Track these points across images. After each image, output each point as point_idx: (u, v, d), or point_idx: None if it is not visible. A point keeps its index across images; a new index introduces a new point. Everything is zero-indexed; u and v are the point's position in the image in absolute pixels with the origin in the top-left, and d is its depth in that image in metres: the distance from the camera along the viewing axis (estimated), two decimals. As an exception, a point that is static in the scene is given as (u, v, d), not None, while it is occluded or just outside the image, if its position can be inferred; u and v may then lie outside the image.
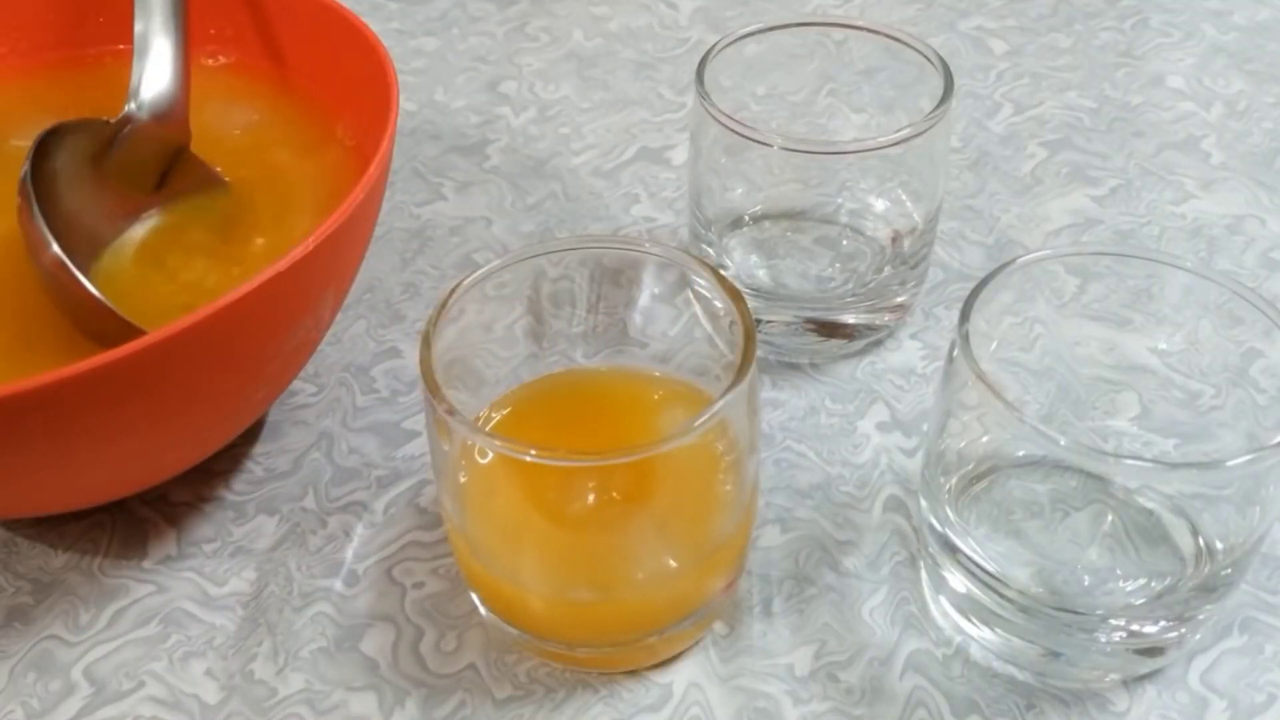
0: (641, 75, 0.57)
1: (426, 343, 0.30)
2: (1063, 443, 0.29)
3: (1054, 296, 0.35)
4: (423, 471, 0.39)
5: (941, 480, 0.34)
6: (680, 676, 0.34)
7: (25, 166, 0.34)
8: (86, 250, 0.36)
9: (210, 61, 0.43)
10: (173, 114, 0.38)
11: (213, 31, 0.43)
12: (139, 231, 0.38)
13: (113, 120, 0.37)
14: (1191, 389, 0.35)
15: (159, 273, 0.37)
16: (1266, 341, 0.32)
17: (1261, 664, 0.34)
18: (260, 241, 0.38)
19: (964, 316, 0.31)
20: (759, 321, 0.42)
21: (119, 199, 0.38)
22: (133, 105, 0.37)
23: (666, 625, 0.33)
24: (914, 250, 0.42)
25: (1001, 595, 0.32)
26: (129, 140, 0.37)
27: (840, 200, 0.44)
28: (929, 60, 0.40)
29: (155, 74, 0.38)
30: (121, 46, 0.43)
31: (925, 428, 0.40)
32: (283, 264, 0.30)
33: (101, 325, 0.34)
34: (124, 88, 0.38)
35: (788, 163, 0.42)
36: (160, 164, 0.38)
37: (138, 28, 0.38)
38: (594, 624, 0.33)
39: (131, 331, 0.33)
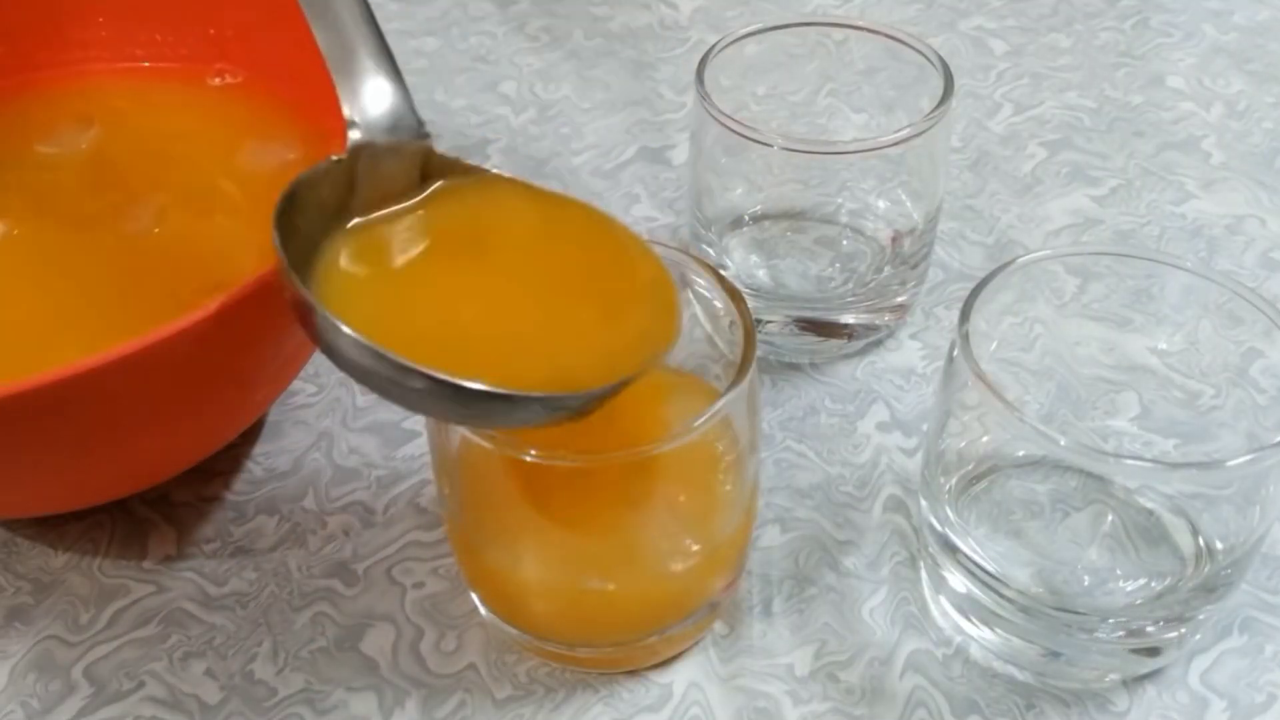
0: (641, 75, 0.57)
1: (426, 343, 0.30)
2: (1063, 443, 0.29)
3: (1054, 296, 0.35)
4: (423, 471, 0.39)
5: (941, 480, 0.34)
6: (680, 676, 0.34)
7: (280, 257, 0.28)
8: None
9: (216, 80, 0.43)
10: (404, 122, 0.33)
11: (212, 32, 0.43)
12: None
13: (343, 157, 0.31)
14: (1191, 389, 0.35)
15: None
16: (1266, 341, 0.32)
17: (1261, 664, 0.34)
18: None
19: (964, 316, 0.31)
20: (759, 321, 0.42)
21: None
22: (357, 134, 0.32)
23: (666, 625, 0.33)
24: (914, 250, 0.42)
25: (1001, 595, 0.32)
26: (370, 168, 0.32)
27: (840, 200, 0.44)
28: (929, 60, 0.40)
29: (374, 94, 0.32)
30: (148, 64, 0.43)
31: (925, 428, 0.40)
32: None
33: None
34: (148, 98, 0.36)
35: (788, 163, 0.42)
36: (410, 177, 0.33)
37: (324, 43, 0.32)
38: (594, 624, 0.33)
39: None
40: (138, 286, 0.37)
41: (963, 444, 0.33)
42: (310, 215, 0.30)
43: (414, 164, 0.32)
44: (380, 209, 0.32)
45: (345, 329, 0.26)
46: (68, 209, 0.39)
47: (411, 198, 0.33)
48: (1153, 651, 0.33)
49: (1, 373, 0.32)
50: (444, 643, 0.35)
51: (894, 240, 0.43)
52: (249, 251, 0.38)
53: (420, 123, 0.33)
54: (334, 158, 0.31)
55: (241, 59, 0.43)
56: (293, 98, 0.42)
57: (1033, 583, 0.33)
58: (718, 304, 0.32)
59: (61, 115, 0.42)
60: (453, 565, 0.36)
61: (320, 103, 0.41)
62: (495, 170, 0.34)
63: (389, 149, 0.32)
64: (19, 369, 0.28)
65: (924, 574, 0.36)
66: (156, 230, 0.38)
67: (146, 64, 0.44)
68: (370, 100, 0.32)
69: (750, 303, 0.32)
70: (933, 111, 0.38)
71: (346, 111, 0.32)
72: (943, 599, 0.35)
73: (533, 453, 0.28)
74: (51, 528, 0.38)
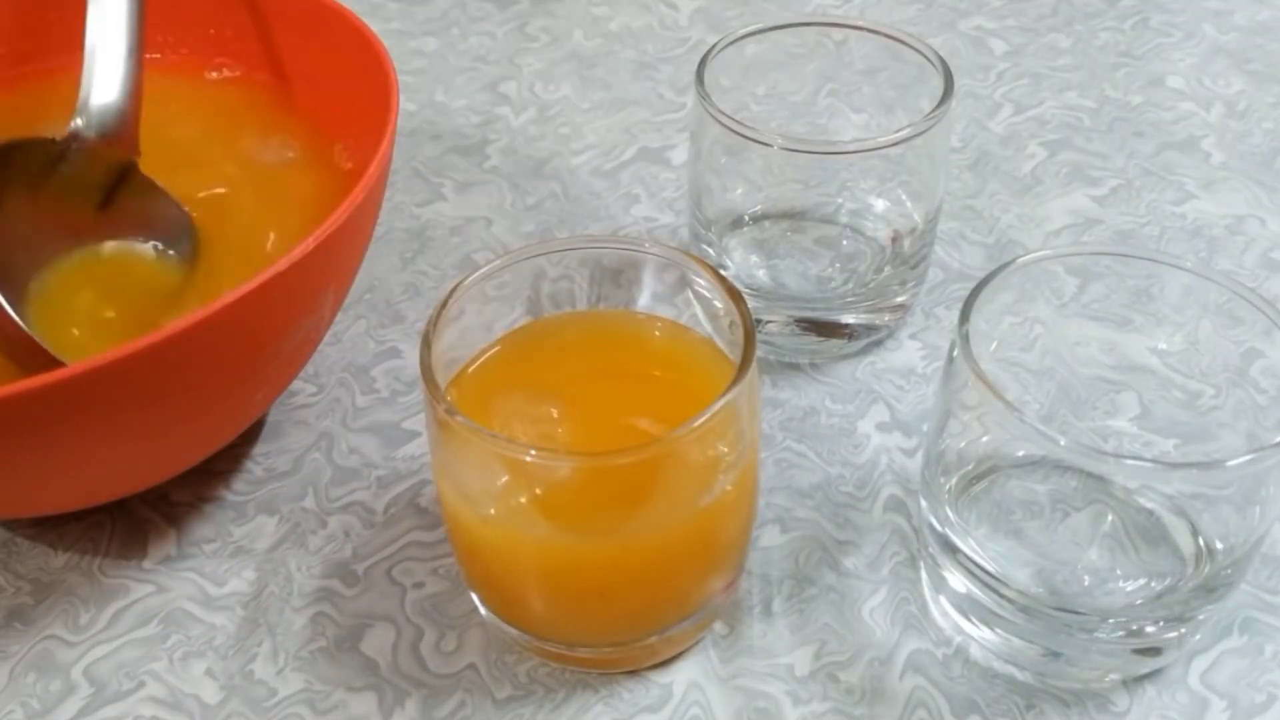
0: (641, 75, 0.57)
1: (426, 343, 0.30)
2: (1063, 443, 0.29)
3: (1054, 296, 0.35)
4: (423, 471, 0.39)
5: (941, 480, 0.34)
6: (680, 676, 0.34)
7: None
8: (22, 269, 0.35)
9: (214, 75, 0.43)
10: (121, 129, 0.36)
11: (212, 33, 0.43)
12: (84, 254, 0.37)
13: (59, 138, 0.36)
14: (1191, 389, 0.35)
15: (98, 298, 0.36)
16: (1266, 341, 0.32)
17: (1261, 664, 0.34)
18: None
19: (964, 316, 0.31)
20: (759, 321, 0.42)
21: (61, 218, 0.36)
22: (79, 121, 0.36)
23: (666, 625, 0.33)
24: (914, 250, 0.42)
25: (1001, 595, 0.32)
26: (75, 158, 0.36)
27: (840, 200, 0.44)
28: (929, 60, 0.40)
29: (103, 86, 0.36)
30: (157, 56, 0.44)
31: (925, 428, 0.40)
32: (283, 264, 0.30)
33: (22, 353, 0.33)
34: (149, 90, 0.37)
35: (788, 163, 0.42)
36: (106, 181, 0.36)
37: (89, 37, 0.36)
38: (594, 624, 0.33)
39: (50, 363, 0.32)
40: (142, 283, 0.37)
41: (963, 444, 0.33)
42: (6, 175, 0.34)
43: (110, 173, 0.36)
44: (63, 197, 0.36)
45: None
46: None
47: (96, 195, 0.36)
48: (1153, 651, 0.33)
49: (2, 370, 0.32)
50: (444, 643, 0.35)
51: (894, 240, 0.43)
52: (252, 248, 0.38)
53: (136, 146, 0.36)
54: (52, 137, 0.35)
55: (241, 55, 0.43)
56: (290, 93, 0.42)
57: (1033, 583, 0.33)
58: (718, 304, 0.32)
59: (64, 107, 0.42)
60: (453, 565, 0.36)
61: (309, 85, 0.41)
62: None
63: (97, 148, 0.36)
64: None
65: (924, 574, 0.36)
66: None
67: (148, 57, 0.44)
68: (98, 96, 0.36)
69: (750, 303, 0.32)
70: (933, 111, 0.38)
71: (80, 98, 0.35)
72: (943, 599, 0.35)
73: (533, 453, 0.28)
74: (51, 528, 0.38)
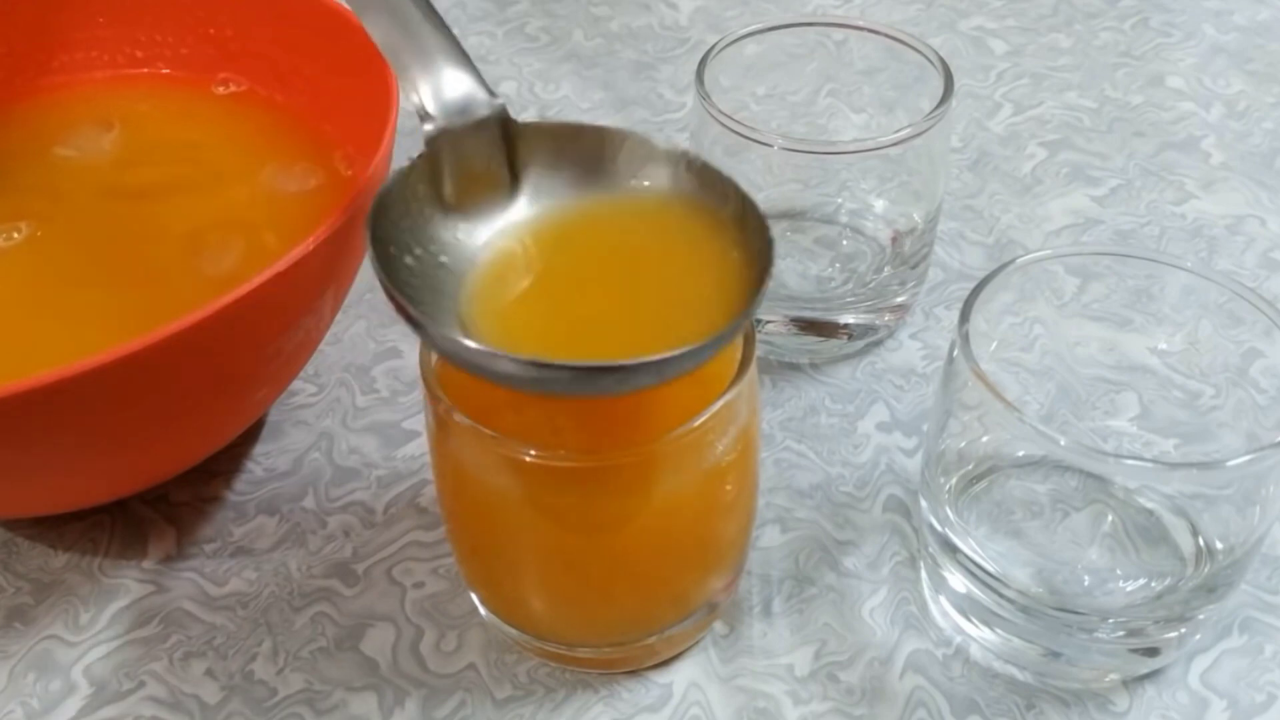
0: (641, 75, 0.57)
1: (427, 343, 0.30)
2: (1063, 443, 0.29)
3: (1054, 296, 0.35)
4: (423, 471, 0.39)
5: (941, 480, 0.34)
6: (680, 676, 0.34)
7: (377, 268, 0.28)
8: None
9: (221, 90, 0.44)
10: (477, 98, 0.31)
11: (212, 32, 0.43)
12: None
13: (424, 152, 0.31)
14: (1191, 389, 0.35)
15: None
16: (1266, 341, 0.32)
17: (1261, 664, 0.34)
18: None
19: (964, 316, 0.31)
20: (759, 321, 0.42)
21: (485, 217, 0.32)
22: (432, 125, 0.30)
23: (666, 625, 0.33)
24: (914, 250, 0.42)
25: (1001, 595, 0.32)
26: (454, 153, 0.31)
27: (840, 200, 0.44)
28: (929, 60, 0.40)
29: (443, 75, 0.31)
30: (165, 71, 0.44)
31: (925, 428, 0.40)
32: (282, 264, 0.30)
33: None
34: (162, 104, 0.36)
35: (788, 163, 0.42)
36: (502, 160, 0.32)
37: (380, 37, 0.31)
38: (594, 624, 0.33)
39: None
40: (156, 287, 0.37)
41: (963, 444, 0.33)
42: (402, 217, 0.30)
43: (495, 134, 0.31)
44: (471, 190, 0.31)
45: (461, 340, 0.27)
46: (87, 211, 0.39)
47: (499, 167, 0.31)
48: (1153, 651, 0.33)
49: (18, 372, 0.32)
50: (444, 643, 0.35)
51: (894, 240, 0.43)
52: (263, 251, 0.38)
53: (492, 93, 0.31)
54: (413, 156, 0.30)
55: (243, 66, 0.43)
56: (293, 103, 0.42)
57: (1033, 583, 0.33)
58: (718, 304, 0.32)
59: (80, 119, 0.43)
60: (453, 565, 0.36)
61: (309, 85, 0.41)
62: (579, 122, 0.32)
63: (467, 130, 0.31)
64: (36, 369, 0.28)
65: (924, 574, 0.36)
66: (175, 231, 0.38)
67: (166, 71, 0.44)
68: (442, 87, 0.31)
69: (750, 303, 0.32)
70: (933, 111, 0.38)
71: (416, 103, 0.31)
72: (943, 599, 0.35)
73: (532, 453, 0.28)
74: (51, 528, 0.38)
